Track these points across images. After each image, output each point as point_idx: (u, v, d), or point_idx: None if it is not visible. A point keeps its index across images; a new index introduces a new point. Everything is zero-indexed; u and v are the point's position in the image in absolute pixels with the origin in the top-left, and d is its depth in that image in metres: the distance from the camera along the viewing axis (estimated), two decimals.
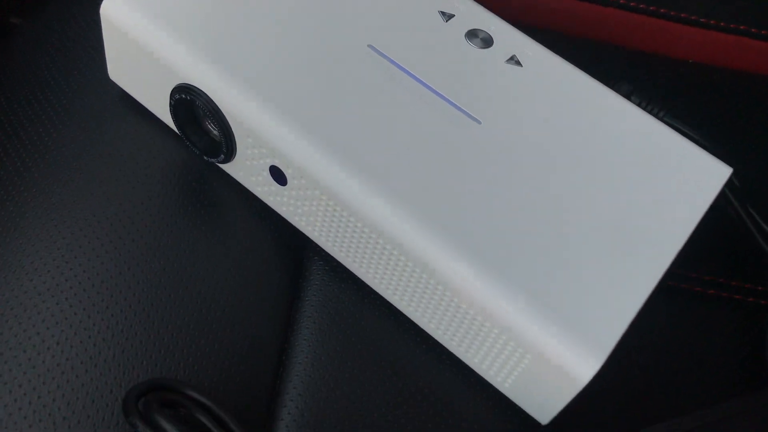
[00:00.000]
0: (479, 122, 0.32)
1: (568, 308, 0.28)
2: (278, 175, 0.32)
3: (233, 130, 0.32)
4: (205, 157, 0.35)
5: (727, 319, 0.35)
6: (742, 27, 0.40)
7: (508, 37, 0.36)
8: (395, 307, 0.32)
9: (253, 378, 0.31)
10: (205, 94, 0.32)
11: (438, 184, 0.30)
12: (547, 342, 0.27)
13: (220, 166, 0.35)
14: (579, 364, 0.27)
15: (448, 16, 0.36)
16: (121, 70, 0.36)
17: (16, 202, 0.33)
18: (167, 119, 0.35)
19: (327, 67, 0.33)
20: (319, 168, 0.30)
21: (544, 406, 0.29)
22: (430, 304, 0.30)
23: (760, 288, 0.36)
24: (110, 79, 0.37)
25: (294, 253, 0.35)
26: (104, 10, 0.33)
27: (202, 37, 0.32)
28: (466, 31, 0.36)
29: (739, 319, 0.36)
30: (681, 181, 0.32)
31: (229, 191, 0.35)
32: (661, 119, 0.37)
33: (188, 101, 0.33)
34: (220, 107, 0.31)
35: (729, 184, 0.34)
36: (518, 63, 0.35)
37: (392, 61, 0.34)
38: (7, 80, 0.38)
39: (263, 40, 0.33)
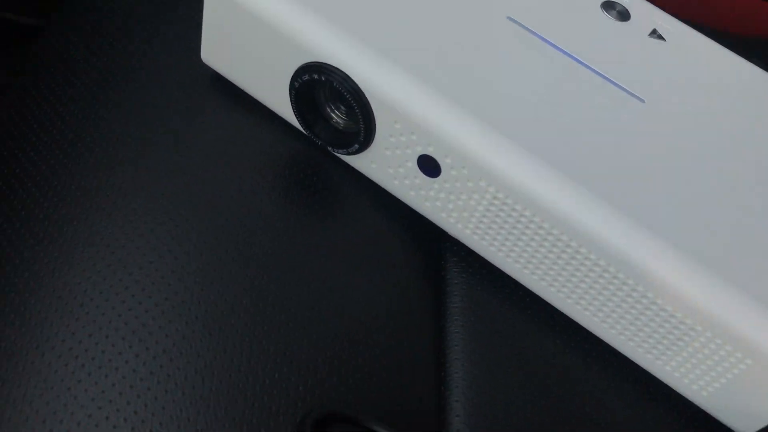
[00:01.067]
0: (642, 101, 0.29)
1: None
2: (429, 166, 0.28)
3: (376, 115, 0.28)
4: (329, 148, 0.30)
5: None
6: None
7: (643, 10, 0.33)
8: (560, 311, 0.29)
9: (416, 401, 0.27)
10: (343, 73, 0.27)
11: (624, 169, 0.27)
12: None
13: (345, 158, 0.30)
14: None
15: None
16: (221, 49, 0.31)
17: (110, 199, 0.28)
18: (278, 106, 0.31)
19: (472, 43, 0.29)
20: (487, 154, 0.26)
21: (752, 415, 0.26)
22: (618, 308, 0.27)
23: None
24: (200, 61, 0.32)
25: (431, 254, 0.31)
26: None
27: (336, 9, 0.28)
28: (601, 2, 0.33)
29: None
30: None
31: (356, 187, 0.31)
32: None
33: (319, 83, 0.28)
34: (362, 89, 0.27)
35: None
36: (660, 37, 0.32)
37: (535, 33, 0.30)
38: (74, 64, 0.33)
39: (401, 16, 0.29)
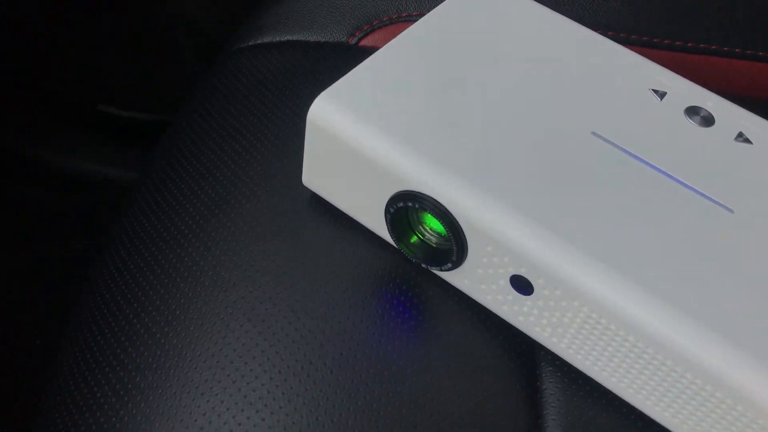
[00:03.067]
0: (731, 211, 0.30)
1: None
2: (521, 285, 0.29)
3: (467, 238, 0.29)
4: (423, 265, 0.32)
5: None
6: None
7: (728, 112, 0.34)
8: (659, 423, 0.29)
9: None
10: (435, 200, 0.29)
11: (717, 286, 0.27)
12: None
13: (438, 273, 0.32)
14: None
15: (661, 95, 0.34)
16: (320, 175, 0.33)
17: (225, 322, 0.31)
18: (374, 225, 0.33)
19: (559, 163, 0.30)
20: (579, 276, 0.27)
21: None
22: (717, 424, 0.27)
23: None
24: (301, 185, 0.34)
25: (525, 363, 0.32)
26: (313, 113, 0.31)
27: (425, 140, 0.30)
28: (684, 108, 0.33)
29: None
30: None
31: (450, 299, 0.32)
32: None
33: (412, 208, 0.30)
34: (453, 214, 0.29)
35: None
36: (747, 140, 0.33)
37: (621, 148, 0.31)
38: (190, 183, 0.36)
39: (486, 140, 0.30)
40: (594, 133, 0.31)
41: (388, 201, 0.30)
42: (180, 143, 0.39)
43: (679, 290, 0.27)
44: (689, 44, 0.40)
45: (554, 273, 0.27)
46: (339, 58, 0.42)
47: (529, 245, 0.28)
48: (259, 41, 0.45)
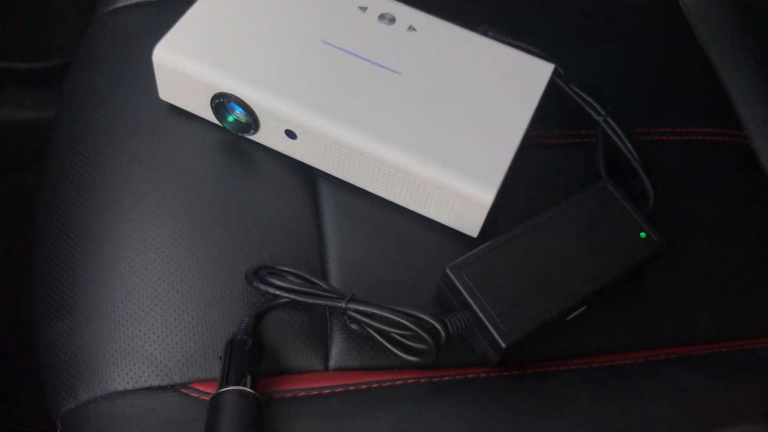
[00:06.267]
0: (399, 73, 0.54)
1: (469, 167, 0.50)
2: (291, 134, 0.53)
3: (257, 114, 0.53)
4: (239, 134, 0.55)
5: (573, 157, 0.58)
6: None
7: (405, 13, 0.57)
8: (377, 195, 0.54)
9: (307, 257, 0.53)
10: (236, 96, 0.52)
11: (390, 115, 0.52)
12: (466, 188, 0.49)
13: (249, 137, 0.55)
14: (485, 193, 0.49)
15: (363, 9, 0.57)
16: (169, 91, 0.56)
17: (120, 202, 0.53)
18: (207, 115, 0.55)
19: (306, 60, 0.53)
20: (313, 123, 0.51)
21: (472, 226, 0.52)
22: (395, 185, 0.52)
23: (582, 131, 0.59)
24: (160, 99, 0.57)
25: (310, 179, 0.56)
26: (156, 56, 0.53)
27: (227, 60, 0.52)
28: (378, 15, 0.57)
29: (578, 154, 0.59)
30: (527, 77, 0.55)
31: (259, 151, 0.56)
32: (511, 44, 0.59)
33: (224, 103, 0.53)
34: (247, 102, 0.52)
35: (557, 73, 0.57)
36: (414, 29, 0.57)
37: (337, 47, 0.54)
38: (75, 105, 0.58)
39: (266, 57, 0.53)
40: (323, 41, 0.55)
41: (210, 100, 0.53)
42: (74, 97, 0.60)
43: (368, 118, 0.51)
44: None
45: (302, 124, 0.51)
46: (177, 11, 0.63)
47: (288, 111, 0.51)
48: (118, 5, 0.65)
